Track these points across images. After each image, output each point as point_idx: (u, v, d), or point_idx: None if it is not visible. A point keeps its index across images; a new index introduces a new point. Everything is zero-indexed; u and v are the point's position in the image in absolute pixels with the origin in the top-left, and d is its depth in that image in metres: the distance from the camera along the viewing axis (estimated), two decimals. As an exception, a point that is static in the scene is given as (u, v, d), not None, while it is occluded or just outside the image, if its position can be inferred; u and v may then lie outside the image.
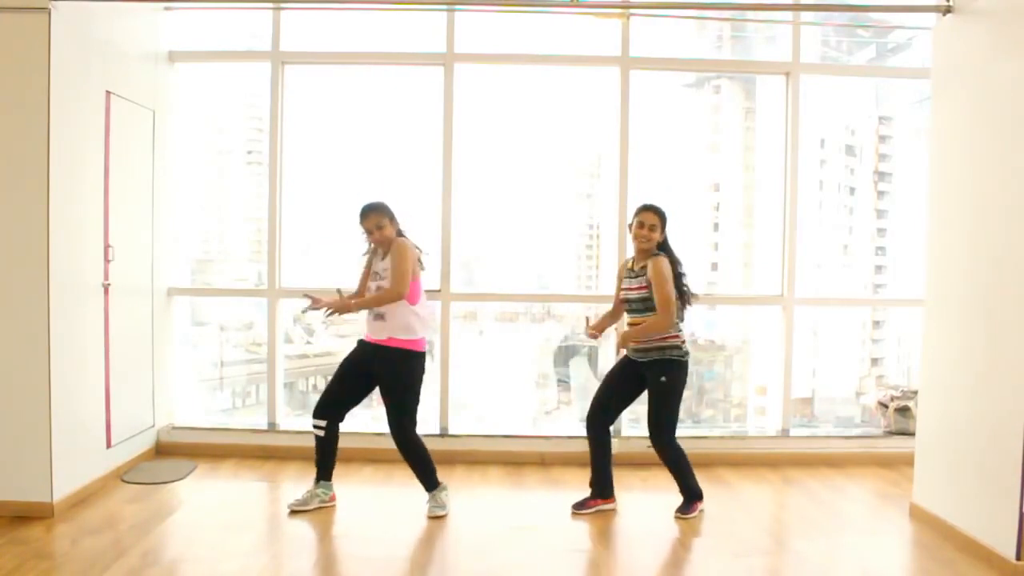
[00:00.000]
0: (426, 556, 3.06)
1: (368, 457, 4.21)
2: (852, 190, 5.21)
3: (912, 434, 3.87)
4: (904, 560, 3.15)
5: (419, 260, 3.45)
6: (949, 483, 3.26)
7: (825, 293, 4.88)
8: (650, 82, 4.56)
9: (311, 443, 3.52)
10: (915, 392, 4.10)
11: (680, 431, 3.50)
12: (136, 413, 4.11)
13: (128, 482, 3.81)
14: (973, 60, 3.20)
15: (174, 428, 4.40)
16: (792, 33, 4.45)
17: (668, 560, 3.07)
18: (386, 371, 3.39)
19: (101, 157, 3.69)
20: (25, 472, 3.26)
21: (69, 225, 3.40)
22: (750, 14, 4.66)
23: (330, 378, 3.54)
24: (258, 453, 4.30)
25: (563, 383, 5.02)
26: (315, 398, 3.59)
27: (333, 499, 3.52)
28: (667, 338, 3.36)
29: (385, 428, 3.46)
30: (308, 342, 5.12)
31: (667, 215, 3.44)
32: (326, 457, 3.49)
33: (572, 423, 4.80)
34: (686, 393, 3.57)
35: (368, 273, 3.54)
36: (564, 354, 5.00)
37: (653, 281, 3.33)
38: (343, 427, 3.54)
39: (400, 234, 3.43)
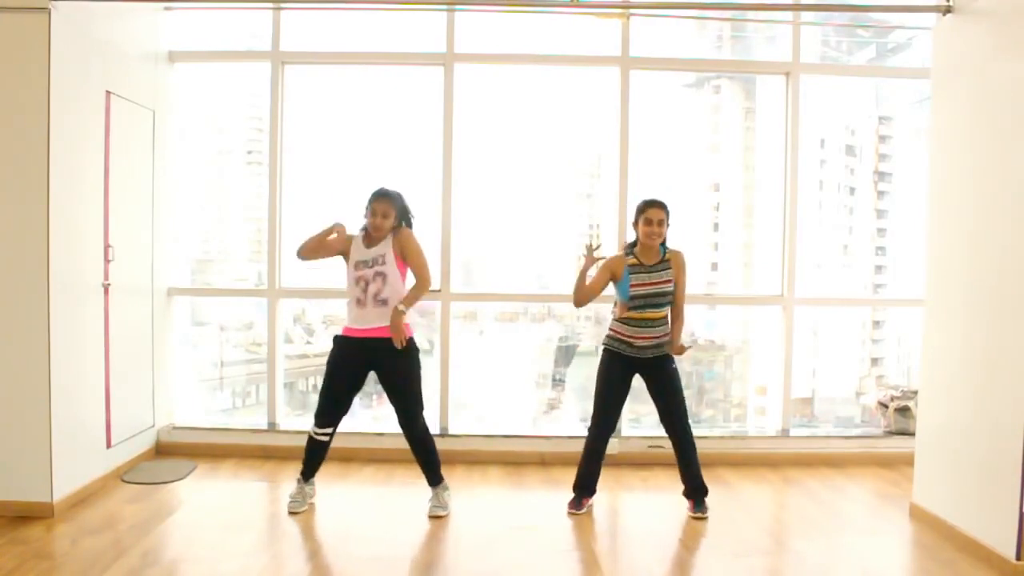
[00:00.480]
0: (426, 556, 3.06)
1: (368, 457, 4.21)
2: (852, 190, 5.21)
3: (912, 434, 3.87)
4: (904, 560, 3.15)
5: None
6: (949, 483, 3.26)
7: (825, 293, 4.87)
8: (650, 82, 4.56)
9: (309, 444, 3.53)
10: (915, 392, 4.10)
11: (680, 431, 3.52)
12: (136, 413, 4.11)
13: (128, 482, 3.81)
14: (973, 60, 3.20)
15: (174, 428, 4.40)
16: (792, 33, 4.45)
17: (668, 560, 3.07)
18: (396, 364, 3.36)
19: (101, 157, 3.69)
20: (25, 472, 3.26)
21: (69, 225, 3.39)
22: (750, 14, 4.66)
23: (323, 383, 3.46)
24: (258, 453, 4.30)
25: (560, 382, 5.02)
26: (315, 398, 3.57)
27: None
28: (667, 334, 3.48)
29: (385, 428, 3.47)
30: (308, 342, 5.12)
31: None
32: (319, 459, 3.50)
33: (572, 423, 4.80)
34: (686, 393, 3.59)
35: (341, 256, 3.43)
36: (565, 354, 5.00)
37: (682, 275, 3.45)
38: (343, 427, 3.53)
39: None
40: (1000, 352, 2.95)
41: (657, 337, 3.45)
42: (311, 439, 3.47)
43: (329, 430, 3.45)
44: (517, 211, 4.90)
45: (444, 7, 4.28)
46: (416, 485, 3.60)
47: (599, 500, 3.63)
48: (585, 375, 4.84)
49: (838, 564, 3.01)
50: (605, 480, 3.61)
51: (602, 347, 3.56)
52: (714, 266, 5.09)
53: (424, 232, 4.20)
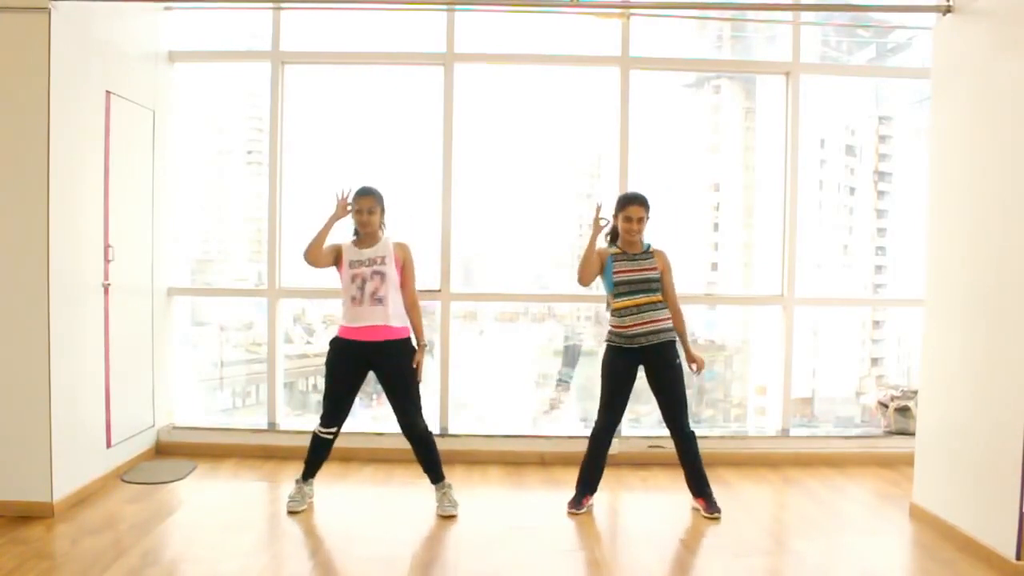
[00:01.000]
0: (427, 556, 3.05)
1: (368, 457, 4.21)
2: (852, 190, 5.21)
3: (912, 434, 3.87)
4: (904, 560, 3.14)
5: None
6: (949, 483, 3.26)
7: (825, 293, 4.87)
8: (650, 82, 4.56)
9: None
10: (915, 392, 4.11)
11: (680, 431, 3.51)
12: (136, 413, 4.11)
13: (128, 482, 3.81)
14: (973, 60, 3.20)
15: (174, 428, 4.40)
16: (792, 33, 4.45)
17: (669, 560, 3.07)
18: (395, 364, 3.38)
19: (101, 157, 3.69)
20: (25, 472, 3.26)
21: (69, 225, 3.40)
22: (750, 14, 4.66)
23: (325, 387, 3.48)
24: (258, 453, 4.31)
25: (564, 383, 5.01)
26: (315, 398, 3.59)
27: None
28: (665, 319, 3.48)
29: (385, 428, 3.47)
30: (308, 342, 5.12)
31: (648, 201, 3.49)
32: (322, 458, 3.53)
33: (572, 423, 4.80)
34: (687, 392, 3.58)
35: (338, 258, 3.44)
36: (572, 354, 5.00)
37: (667, 270, 3.51)
38: (343, 426, 3.54)
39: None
40: (1000, 352, 2.95)
41: (653, 322, 3.44)
42: (316, 437, 3.50)
43: (334, 429, 3.49)
44: (517, 211, 4.90)
45: (444, 7, 4.28)
46: (416, 485, 3.60)
47: (599, 500, 3.63)
48: (586, 375, 4.85)
49: (838, 564, 3.02)
50: (605, 480, 3.61)
51: (604, 343, 3.58)
52: (714, 266, 5.09)
53: (424, 232, 4.22)
